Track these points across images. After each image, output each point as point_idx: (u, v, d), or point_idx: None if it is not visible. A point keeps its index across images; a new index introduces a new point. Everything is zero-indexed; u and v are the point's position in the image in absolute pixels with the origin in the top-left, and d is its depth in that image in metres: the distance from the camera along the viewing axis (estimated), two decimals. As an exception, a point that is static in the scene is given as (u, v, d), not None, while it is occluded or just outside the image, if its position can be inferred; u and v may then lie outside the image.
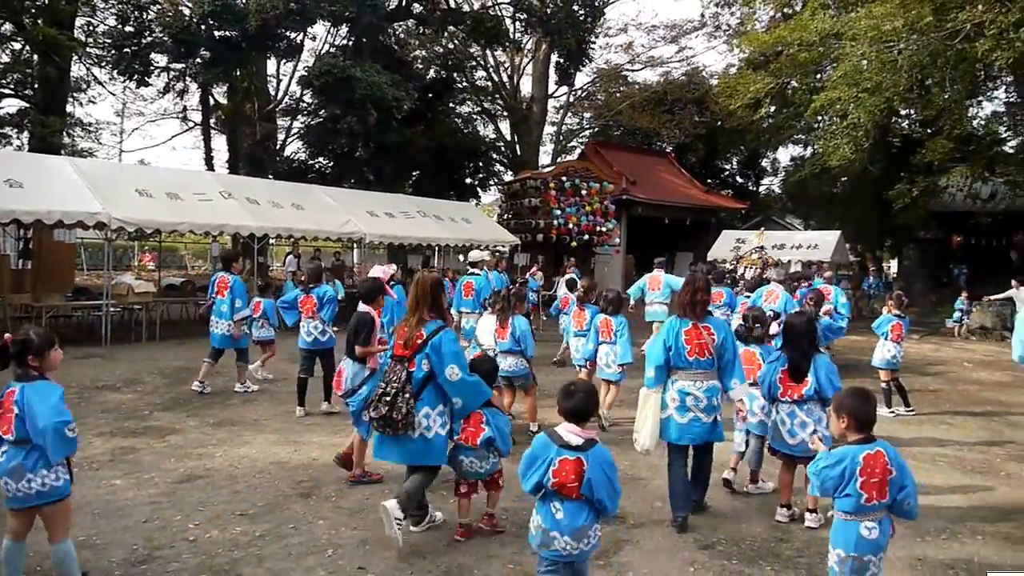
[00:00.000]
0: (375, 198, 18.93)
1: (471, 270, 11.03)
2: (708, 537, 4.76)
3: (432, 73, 28.92)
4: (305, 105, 25.83)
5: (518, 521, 4.98)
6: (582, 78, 33.15)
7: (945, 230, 28.92)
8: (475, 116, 32.98)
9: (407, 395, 4.42)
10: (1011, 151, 21.41)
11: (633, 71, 35.25)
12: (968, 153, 19.64)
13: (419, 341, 4.51)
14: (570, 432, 3.35)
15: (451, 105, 29.96)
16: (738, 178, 40.34)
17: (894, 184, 21.25)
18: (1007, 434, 7.99)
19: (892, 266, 35.38)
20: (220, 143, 28.84)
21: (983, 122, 21.52)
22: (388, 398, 4.40)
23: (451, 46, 29.05)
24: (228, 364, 9.46)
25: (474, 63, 30.82)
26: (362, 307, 6.16)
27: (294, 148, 27.43)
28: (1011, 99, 23.33)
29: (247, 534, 4.74)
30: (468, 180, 29.98)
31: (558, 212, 22.79)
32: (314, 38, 25.33)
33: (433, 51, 27.24)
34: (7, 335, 3.76)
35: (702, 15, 33.06)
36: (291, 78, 25.39)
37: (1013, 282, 17.67)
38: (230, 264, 9.43)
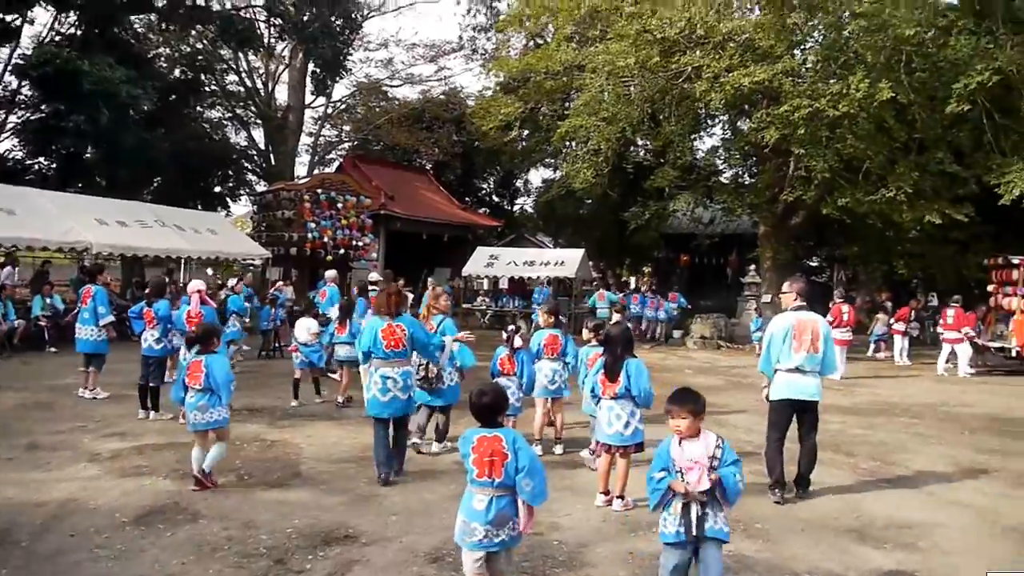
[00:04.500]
0: (106, 205, 17.14)
1: (372, 287, 12.91)
2: (439, 549, 4.77)
3: (177, 73, 26.92)
4: (23, 98, 22.86)
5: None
6: (341, 90, 32.72)
7: (675, 250, 32.09)
8: (226, 122, 31.20)
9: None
10: (726, 181, 24.19)
11: (393, 87, 35.35)
12: (691, 181, 21.93)
13: (435, 329, 7.35)
14: None
15: (198, 108, 28.08)
16: (494, 197, 41.81)
17: (631, 207, 23.17)
18: (714, 431, 8.93)
19: (631, 283, 38.44)
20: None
21: (704, 155, 24.06)
22: (424, 368, 6.90)
23: (199, 46, 27.27)
24: None
25: (225, 66, 29.20)
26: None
27: (7, 146, 24.14)
28: (726, 136, 26.39)
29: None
30: (217, 189, 28.23)
31: (313, 225, 22.20)
32: (33, 22, 22.41)
33: (178, 50, 25.40)
34: (191, 329, 6.80)
35: (460, 38, 33.96)
36: (5, 66, 22.36)
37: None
38: (95, 276, 10.42)
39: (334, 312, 10.86)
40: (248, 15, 23.41)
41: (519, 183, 40.81)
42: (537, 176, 38.91)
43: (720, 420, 9.69)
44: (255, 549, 4.72)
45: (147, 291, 9.40)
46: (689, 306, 23.60)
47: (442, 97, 34.91)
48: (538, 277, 22.88)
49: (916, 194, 16.38)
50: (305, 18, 22.82)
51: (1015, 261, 16.16)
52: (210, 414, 5.92)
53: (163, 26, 23.93)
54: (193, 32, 24.37)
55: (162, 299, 8.93)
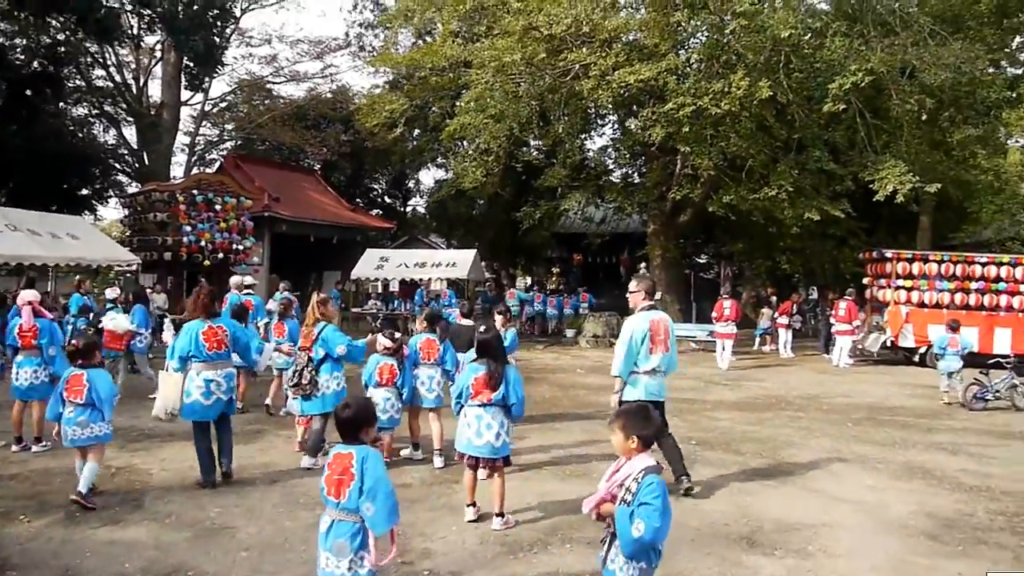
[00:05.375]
0: (-54, 207, 15.56)
1: (246, 291, 12.86)
2: (293, 589, 4.21)
3: (36, 66, 24.82)
4: None
5: None
6: (222, 86, 31.20)
7: (568, 250, 32.15)
8: (93, 119, 29.10)
9: (310, 369, 6.87)
10: (616, 180, 24.24)
11: (276, 83, 33.91)
12: (582, 181, 21.83)
13: (314, 337, 6.96)
14: None
15: (61, 105, 26.05)
16: (386, 198, 41.01)
17: (523, 207, 22.89)
18: (602, 434, 8.62)
19: (527, 282, 38.24)
20: None
21: (594, 154, 24.04)
22: (298, 375, 6.89)
23: (61, 37, 25.24)
24: None
25: (91, 60, 27.19)
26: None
27: None
28: (616, 135, 26.49)
29: None
30: (85, 191, 26.23)
31: (188, 228, 20.92)
32: None
33: (36, 40, 23.35)
34: (73, 342, 6.28)
35: (347, 34, 32.91)
36: None
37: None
38: None
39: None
40: (110, 3, 21.68)
41: (412, 184, 40.15)
42: (429, 176, 38.36)
43: (606, 420, 9.42)
44: (69, 604, 4.03)
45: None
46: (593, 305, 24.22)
47: (329, 95, 33.80)
48: (429, 279, 22.35)
49: (797, 192, 16.76)
50: (178, 8, 21.30)
51: (888, 254, 16.80)
52: (91, 429, 5.74)
53: (16, 14, 21.94)
54: (53, 22, 22.38)
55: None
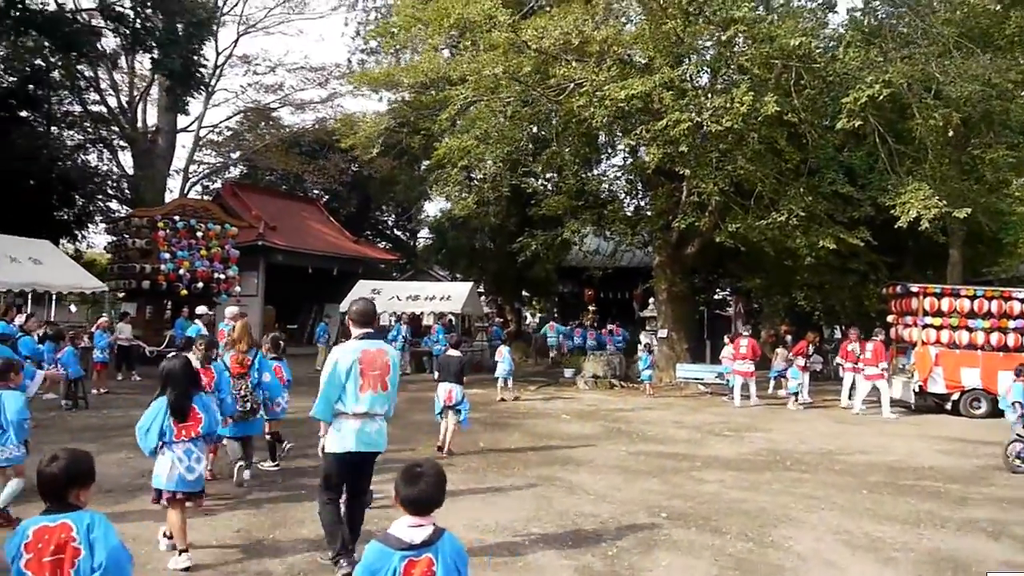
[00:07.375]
0: None
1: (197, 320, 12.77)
2: None
3: (11, 87, 24.05)
4: None
5: None
6: (221, 113, 30.54)
7: (579, 284, 30.66)
8: (88, 144, 28.49)
9: (255, 395, 7.53)
10: (629, 214, 22.57)
11: (275, 110, 33.26)
12: (583, 210, 20.30)
13: (250, 362, 7.57)
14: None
15: (53, 129, 25.37)
16: (395, 230, 40.10)
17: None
18: (560, 505, 7.09)
19: (536, 317, 36.71)
20: None
21: (599, 182, 22.54)
22: (248, 400, 7.44)
23: (40, 62, 24.51)
24: None
25: (86, 84, 26.54)
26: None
27: None
28: (623, 163, 24.97)
29: None
30: (66, 216, 25.38)
31: (167, 256, 19.92)
32: None
33: (12, 64, 22.54)
34: None
35: (349, 61, 32.04)
36: None
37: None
38: None
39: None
40: (83, 20, 20.76)
41: (421, 215, 39.15)
42: (435, 207, 37.38)
43: (570, 483, 7.88)
44: None
45: None
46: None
47: (334, 122, 32.96)
48: (421, 312, 21.04)
49: (809, 218, 15.24)
50: (151, 24, 20.35)
51: (913, 289, 15.10)
52: (1, 451, 5.78)
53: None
54: (29, 41, 21.53)
55: None
